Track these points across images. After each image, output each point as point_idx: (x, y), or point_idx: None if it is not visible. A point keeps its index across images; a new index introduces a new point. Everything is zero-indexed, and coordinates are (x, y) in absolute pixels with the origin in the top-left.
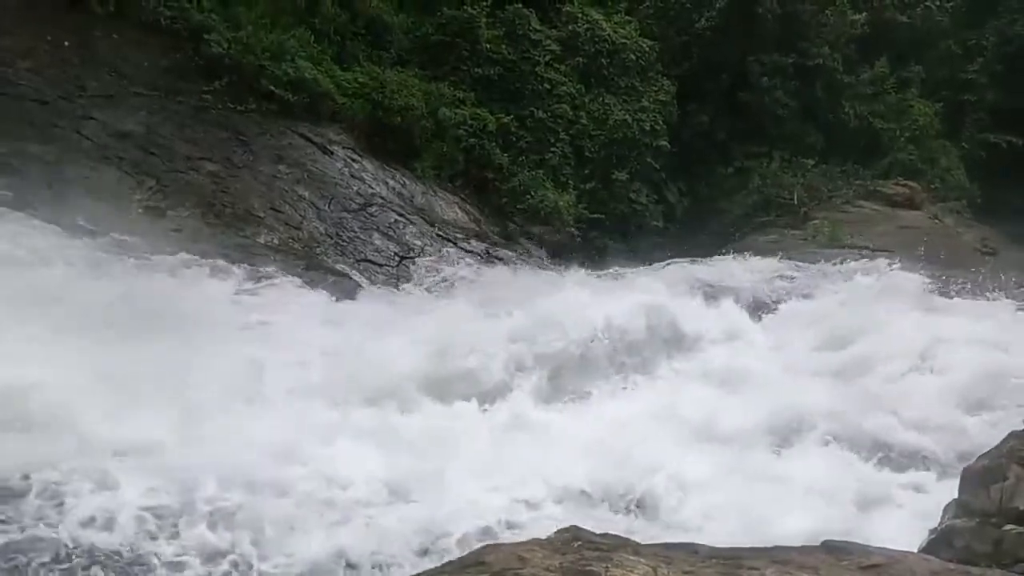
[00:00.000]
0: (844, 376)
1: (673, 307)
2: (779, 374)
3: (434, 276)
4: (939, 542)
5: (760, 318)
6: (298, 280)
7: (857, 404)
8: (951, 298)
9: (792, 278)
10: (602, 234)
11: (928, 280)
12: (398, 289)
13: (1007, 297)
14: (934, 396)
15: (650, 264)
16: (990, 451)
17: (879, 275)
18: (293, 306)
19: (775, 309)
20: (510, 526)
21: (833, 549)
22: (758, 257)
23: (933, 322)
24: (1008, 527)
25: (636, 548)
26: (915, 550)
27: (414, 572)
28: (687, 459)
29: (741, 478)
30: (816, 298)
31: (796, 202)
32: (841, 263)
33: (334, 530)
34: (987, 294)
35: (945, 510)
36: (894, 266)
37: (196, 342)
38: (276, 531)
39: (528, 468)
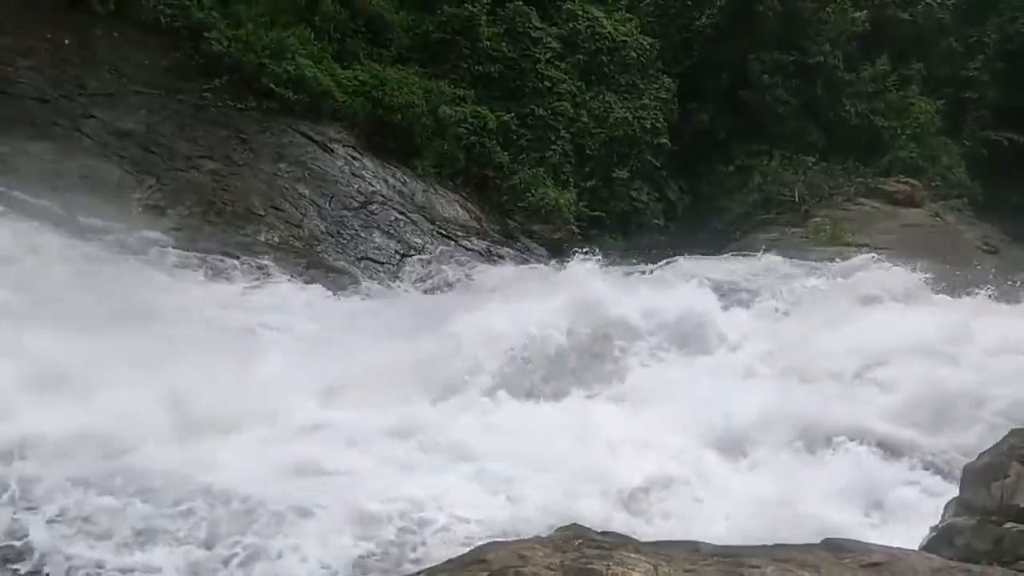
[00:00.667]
0: (785, 383)
1: (609, 305)
2: (711, 384)
3: (426, 278)
4: (940, 540)
5: (712, 316)
6: (297, 280)
7: (790, 415)
8: (940, 295)
9: (760, 278)
10: (603, 232)
11: (923, 277)
12: (391, 287)
13: (992, 292)
14: (872, 416)
15: (649, 263)
16: (991, 448)
17: (863, 273)
18: (288, 304)
19: (731, 308)
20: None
21: (834, 547)
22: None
23: (902, 320)
24: (1009, 525)
25: (637, 546)
26: (916, 548)
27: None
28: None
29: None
30: (777, 298)
31: (797, 200)
32: (832, 261)
33: (187, 547)
34: (972, 289)
35: (946, 508)
36: (886, 264)
37: (180, 337)
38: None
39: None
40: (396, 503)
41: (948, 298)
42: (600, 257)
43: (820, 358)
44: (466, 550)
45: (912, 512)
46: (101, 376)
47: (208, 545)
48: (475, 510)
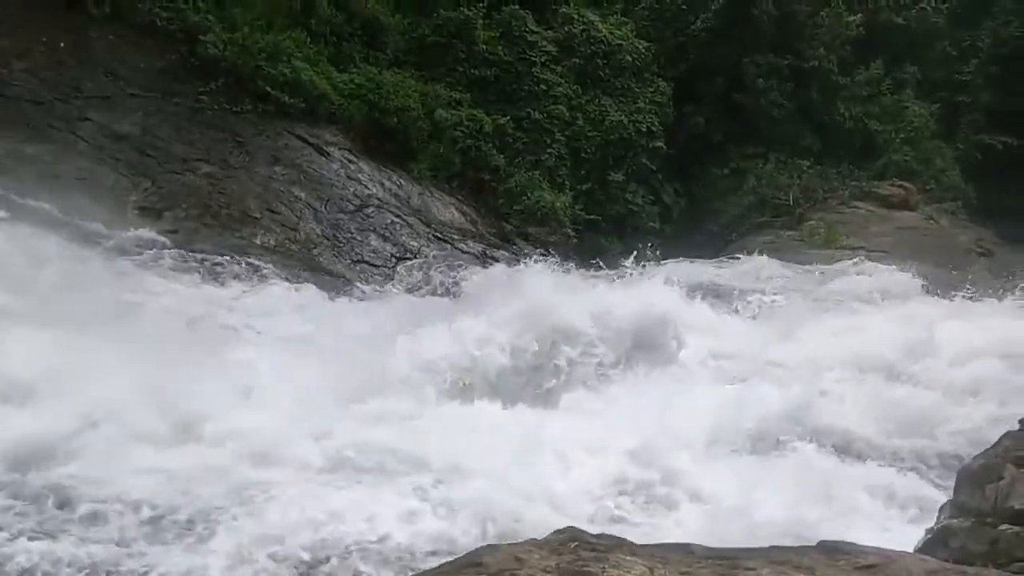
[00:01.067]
0: (737, 388)
1: (558, 312)
2: (662, 390)
3: (421, 281)
4: (935, 542)
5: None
6: (291, 282)
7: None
8: (921, 297)
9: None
10: (599, 235)
11: (910, 280)
12: (385, 291)
13: (972, 294)
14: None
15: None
16: (986, 451)
17: (845, 278)
18: (280, 307)
19: (697, 311)
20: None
21: (829, 549)
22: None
23: (873, 328)
24: (1004, 527)
25: (632, 548)
26: (911, 550)
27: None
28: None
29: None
30: (749, 301)
31: (792, 203)
32: (822, 264)
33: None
34: (953, 293)
35: (941, 510)
36: (871, 267)
37: (163, 340)
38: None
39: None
40: (314, 516)
41: (929, 301)
42: (558, 259)
43: (778, 366)
44: (389, 569)
45: (865, 515)
46: (70, 379)
47: (112, 551)
48: (402, 525)
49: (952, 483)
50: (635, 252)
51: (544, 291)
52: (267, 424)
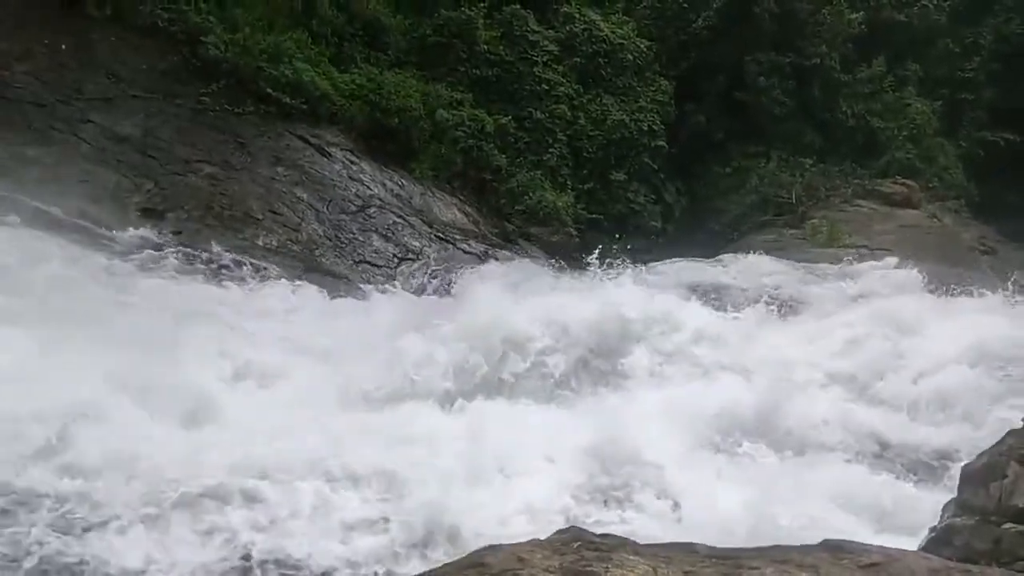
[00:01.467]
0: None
1: (509, 322)
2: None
3: (423, 282)
4: (939, 540)
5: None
6: (292, 283)
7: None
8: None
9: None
10: (600, 234)
11: (921, 277)
12: (385, 291)
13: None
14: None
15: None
16: (989, 449)
17: (829, 281)
18: (277, 307)
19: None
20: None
21: (832, 548)
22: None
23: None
24: (1007, 525)
25: (635, 548)
26: (915, 548)
27: None
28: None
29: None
30: (727, 301)
31: (794, 201)
32: (820, 263)
33: None
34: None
35: (945, 508)
36: (863, 266)
37: (151, 342)
38: None
39: None
40: (232, 527)
41: (917, 300)
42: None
43: (744, 370)
44: None
45: (829, 517)
46: (41, 380)
47: (12, 548)
48: (330, 542)
49: (921, 489)
50: (598, 249)
51: (495, 299)
52: (208, 429)
